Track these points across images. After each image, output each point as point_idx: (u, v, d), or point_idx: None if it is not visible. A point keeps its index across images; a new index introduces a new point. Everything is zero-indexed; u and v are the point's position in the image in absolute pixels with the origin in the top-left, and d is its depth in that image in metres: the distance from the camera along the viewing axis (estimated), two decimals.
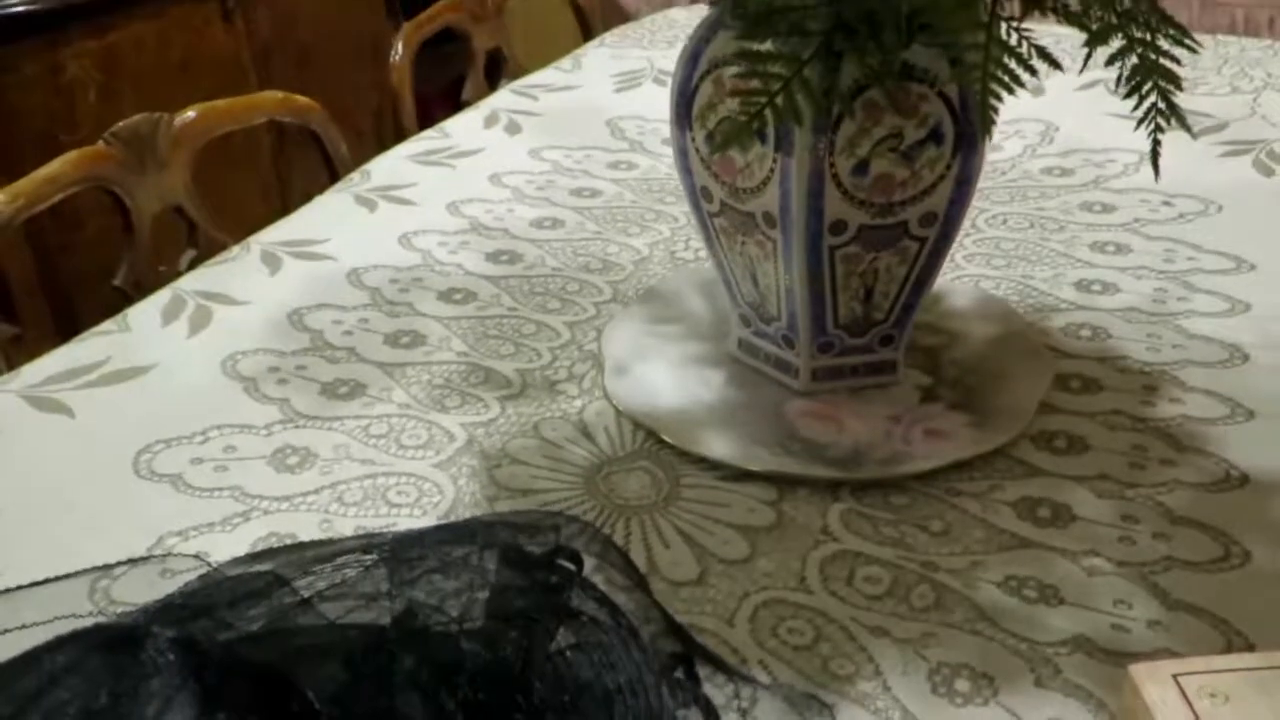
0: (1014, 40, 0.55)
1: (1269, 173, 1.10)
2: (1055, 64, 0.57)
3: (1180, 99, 0.64)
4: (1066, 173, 1.13)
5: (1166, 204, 1.05)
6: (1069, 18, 0.58)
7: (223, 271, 0.99)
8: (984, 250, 0.99)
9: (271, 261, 1.00)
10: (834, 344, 0.77)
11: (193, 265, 1.08)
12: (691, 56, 0.72)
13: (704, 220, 0.78)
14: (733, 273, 0.79)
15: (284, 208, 1.07)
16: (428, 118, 1.37)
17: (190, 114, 1.09)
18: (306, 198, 1.12)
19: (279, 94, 1.17)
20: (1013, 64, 0.54)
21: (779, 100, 0.54)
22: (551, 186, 1.14)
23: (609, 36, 1.59)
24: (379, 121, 2.41)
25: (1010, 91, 0.55)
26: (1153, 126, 0.65)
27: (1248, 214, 1.03)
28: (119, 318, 0.92)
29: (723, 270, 0.80)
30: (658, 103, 1.16)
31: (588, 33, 1.72)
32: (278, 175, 2.11)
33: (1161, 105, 0.64)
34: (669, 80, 0.75)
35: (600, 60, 1.48)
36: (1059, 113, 1.25)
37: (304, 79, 2.20)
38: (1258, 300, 0.89)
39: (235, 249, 1.03)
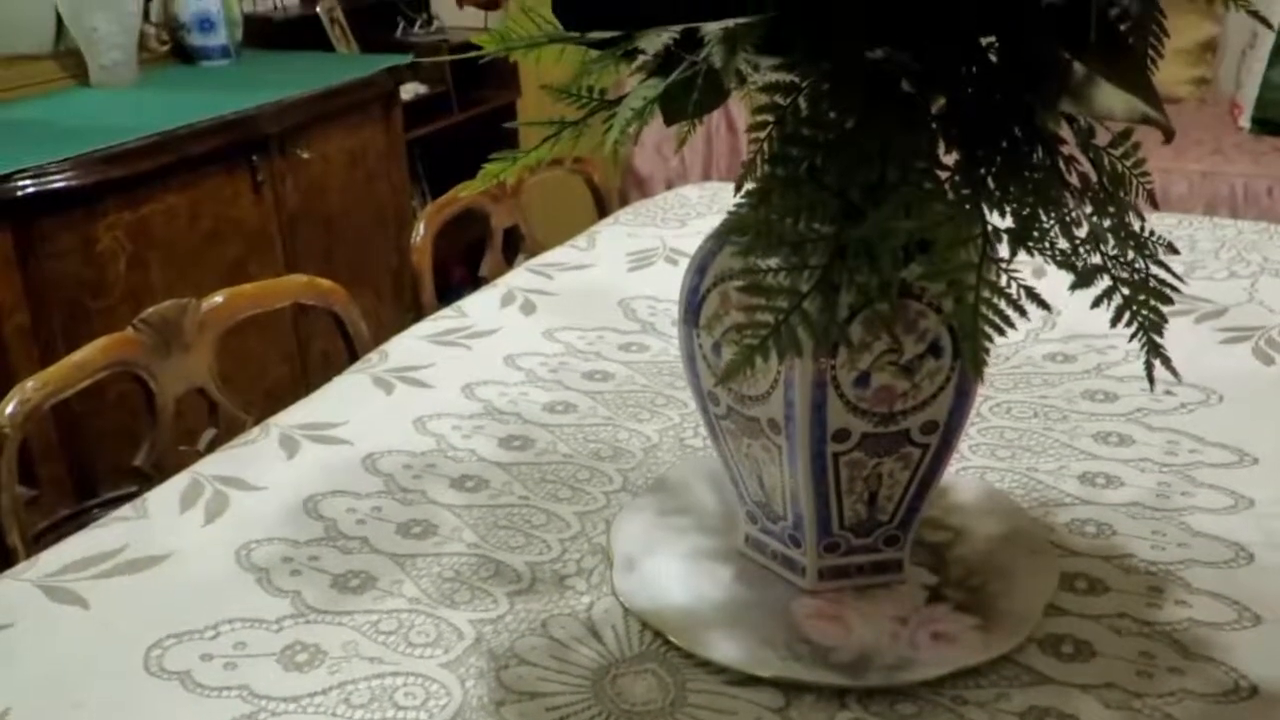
0: (1003, 280, 0.58)
1: (1269, 361, 1.12)
2: (1044, 305, 0.59)
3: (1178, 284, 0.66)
4: (1069, 359, 1.15)
5: (1168, 393, 1.07)
6: (1057, 260, 0.61)
7: (241, 455, 1.01)
8: (989, 440, 1.00)
9: (289, 445, 1.02)
10: (840, 544, 0.78)
11: (213, 445, 1.10)
12: (699, 268, 0.76)
13: (711, 421, 0.80)
14: (739, 471, 0.81)
15: (304, 369, 1.11)
16: (445, 276, 1.40)
17: (217, 299, 1.12)
18: (324, 358, 1.15)
19: (304, 278, 1.22)
20: (1002, 304, 0.57)
21: (781, 330, 0.57)
22: (564, 369, 1.16)
23: (623, 214, 1.64)
24: (397, 282, 2.47)
25: (1001, 333, 0.57)
26: (1145, 343, 0.68)
27: (1249, 404, 1.04)
28: (138, 503, 0.94)
29: (729, 468, 0.82)
30: (669, 283, 1.20)
31: (601, 204, 1.78)
32: (297, 338, 2.16)
33: (1151, 318, 0.67)
34: (679, 259, 0.78)
35: (614, 238, 1.53)
36: (1060, 295, 1.28)
37: (328, 244, 2.27)
38: (1261, 496, 0.90)
39: (255, 431, 1.06)
